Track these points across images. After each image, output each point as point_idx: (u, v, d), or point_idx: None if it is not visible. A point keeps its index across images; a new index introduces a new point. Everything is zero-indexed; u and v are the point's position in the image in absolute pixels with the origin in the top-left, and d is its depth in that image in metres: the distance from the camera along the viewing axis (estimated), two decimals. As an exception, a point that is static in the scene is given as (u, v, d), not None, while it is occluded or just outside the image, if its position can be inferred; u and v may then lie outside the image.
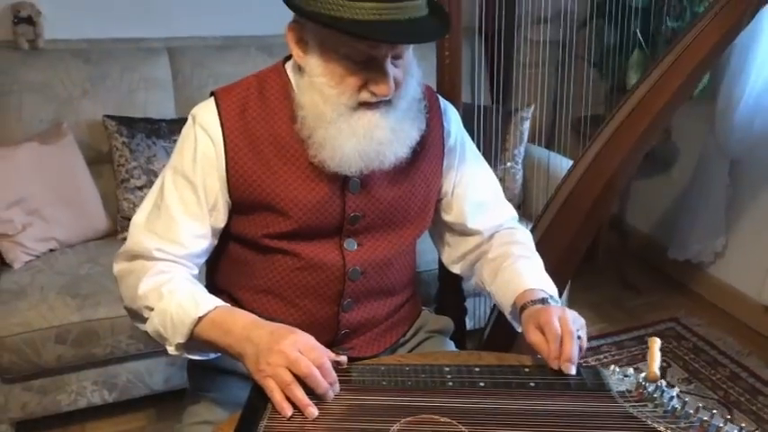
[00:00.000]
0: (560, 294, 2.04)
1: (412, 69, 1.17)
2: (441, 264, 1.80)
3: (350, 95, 1.10)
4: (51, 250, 2.24)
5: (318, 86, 1.11)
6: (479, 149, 1.43)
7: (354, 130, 1.11)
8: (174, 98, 2.53)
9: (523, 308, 1.18)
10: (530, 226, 1.98)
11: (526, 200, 2.74)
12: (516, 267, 1.26)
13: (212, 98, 1.21)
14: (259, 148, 1.18)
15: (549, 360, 1.09)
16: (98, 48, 2.50)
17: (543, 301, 1.18)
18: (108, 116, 2.37)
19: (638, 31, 2.67)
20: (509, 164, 2.64)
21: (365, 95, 1.11)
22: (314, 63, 1.12)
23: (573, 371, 1.08)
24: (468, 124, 1.52)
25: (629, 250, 3.24)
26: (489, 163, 1.46)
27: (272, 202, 1.19)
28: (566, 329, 1.09)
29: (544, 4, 2.26)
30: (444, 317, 1.48)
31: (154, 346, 2.04)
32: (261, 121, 1.19)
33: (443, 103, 1.33)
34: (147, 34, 2.62)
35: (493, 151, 2.47)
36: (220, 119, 1.18)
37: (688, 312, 2.91)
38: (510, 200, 2.59)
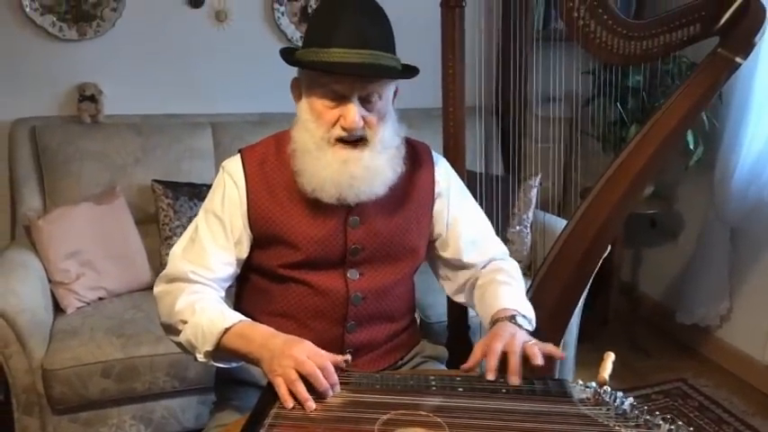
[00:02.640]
0: (558, 343, 2.23)
1: (388, 118, 1.41)
2: (449, 303, 2.00)
3: (326, 130, 1.35)
4: (101, 298, 2.50)
5: (304, 123, 1.38)
6: (491, 215, 1.65)
7: (330, 161, 1.35)
8: (214, 166, 2.81)
9: (494, 323, 1.38)
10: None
11: (534, 262, 2.93)
12: (496, 290, 1.47)
13: (239, 154, 1.48)
14: (274, 191, 1.44)
15: (486, 371, 1.27)
16: (150, 122, 2.83)
17: (512, 318, 1.38)
18: (156, 181, 2.67)
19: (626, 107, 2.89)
20: (518, 228, 2.85)
21: (338, 131, 1.35)
22: (302, 105, 1.40)
23: (517, 382, 1.26)
24: (481, 191, 1.71)
25: (638, 315, 3.38)
26: (499, 227, 1.68)
27: (285, 237, 1.43)
28: (510, 348, 1.28)
29: (552, 85, 2.51)
30: (440, 346, 1.68)
31: (188, 384, 2.26)
32: (276, 170, 1.44)
33: (436, 157, 1.57)
34: (193, 110, 2.95)
35: (502, 216, 2.68)
36: (244, 169, 1.45)
37: (696, 374, 3.02)
38: (519, 261, 2.80)
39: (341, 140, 1.36)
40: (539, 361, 1.26)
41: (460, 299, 1.64)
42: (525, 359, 1.29)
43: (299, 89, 1.43)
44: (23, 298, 2.18)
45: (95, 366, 2.16)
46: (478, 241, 1.58)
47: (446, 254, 1.58)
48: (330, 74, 1.32)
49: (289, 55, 1.41)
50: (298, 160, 1.39)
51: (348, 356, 1.29)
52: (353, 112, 1.33)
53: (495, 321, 1.39)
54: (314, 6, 2.96)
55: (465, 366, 1.31)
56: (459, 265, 1.59)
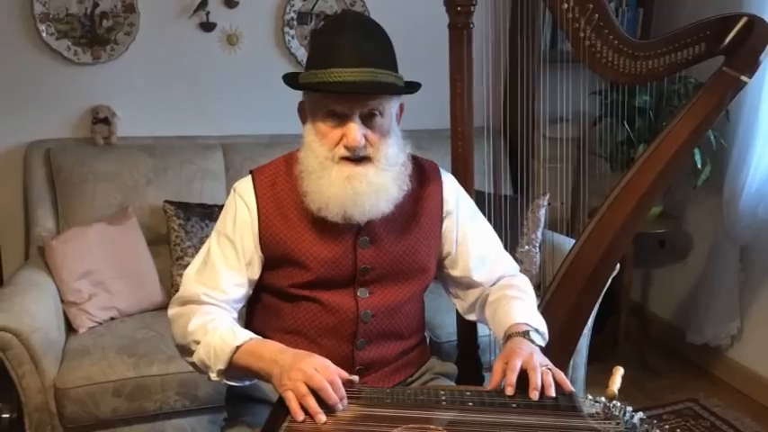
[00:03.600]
0: (567, 363, 2.22)
1: (392, 135, 1.42)
2: (458, 322, 2.01)
3: (329, 149, 1.38)
4: (112, 318, 2.51)
5: (309, 144, 1.41)
6: (500, 235, 1.67)
7: (334, 179, 1.37)
8: (225, 187, 2.84)
9: (509, 338, 1.40)
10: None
11: (544, 280, 2.93)
12: (508, 306, 1.48)
13: (250, 175, 1.50)
14: (285, 213, 1.46)
15: (506, 386, 1.28)
16: (162, 144, 2.87)
17: (525, 333, 1.39)
18: (168, 201, 2.70)
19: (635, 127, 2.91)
20: (527, 247, 2.86)
21: (341, 150, 1.37)
22: (308, 127, 1.43)
23: (536, 397, 1.26)
24: (490, 211, 1.72)
25: (649, 335, 3.37)
26: (508, 247, 1.69)
27: (295, 257, 1.44)
28: (530, 366, 1.29)
29: (560, 106, 2.53)
30: (450, 363, 1.69)
31: (198, 403, 2.27)
32: (287, 191, 1.47)
33: (444, 175, 1.59)
34: (204, 132, 2.99)
35: (511, 236, 2.69)
36: (255, 190, 1.47)
37: (707, 394, 3.00)
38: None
39: (345, 159, 1.38)
40: (552, 393, 1.27)
41: (472, 317, 1.65)
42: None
43: (304, 112, 1.46)
44: (37, 318, 2.20)
45: (107, 385, 2.17)
46: (488, 259, 1.59)
47: (455, 272, 1.60)
48: (329, 94, 1.35)
49: (291, 79, 1.44)
50: (304, 181, 1.41)
51: (356, 377, 1.30)
52: (354, 131, 1.35)
53: (509, 336, 1.40)
54: (322, 29, 3.01)
55: (490, 388, 1.32)
56: (468, 284, 1.60)
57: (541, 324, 1.46)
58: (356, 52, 1.34)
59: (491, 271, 1.59)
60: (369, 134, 1.38)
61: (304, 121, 1.46)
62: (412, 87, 1.44)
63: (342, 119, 1.36)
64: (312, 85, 1.37)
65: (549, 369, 1.31)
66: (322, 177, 1.38)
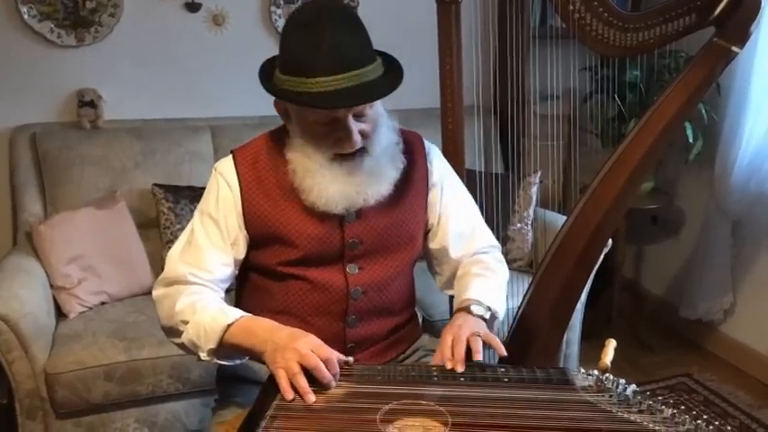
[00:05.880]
0: (560, 339, 2.21)
1: (381, 121, 1.40)
2: (450, 299, 2.00)
3: (325, 150, 1.36)
4: (103, 303, 2.50)
5: (302, 148, 1.38)
6: (492, 213, 1.65)
7: (335, 176, 1.36)
8: (214, 169, 2.82)
9: (454, 314, 1.44)
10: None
11: (536, 258, 2.92)
12: (467, 282, 1.50)
13: (231, 155, 1.48)
14: (268, 191, 1.43)
15: (445, 362, 1.30)
16: (149, 126, 2.84)
17: (468, 308, 1.42)
18: (156, 185, 2.67)
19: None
20: (519, 225, 2.85)
21: (338, 149, 1.36)
22: (295, 129, 1.39)
23: (460, 370, 1.28)
24: (481, 189, 1.70)
25: (642, 312, 3.37)
26: (500, 225, 1.68)
27: (281, 235, 1.42)
28: (456, 337, 1.32)
29: (550, 83, 2.52)
30: (442, 340, 1.68)
31: (191, 386, 2.26)
32: (270, 169, 1.44)
33: (428, 146, 1.57)
34: (192, 114, 2.95)
35: (503, 214, 2.68)
36: (236, 169, 1.44)
37: (701, 368, 3.01)
38: (521, 258, 2.80)
39: (340, 155, 1.37)
40: (479, 357, 1.29)
41: (450, 292, 1.64)
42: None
43: (284, 108, 1.41)
44: (26, 303, 2.18)
45: (98, 370, 2.16)
46: (465, 234, 1.59)
47: (433, 245, 1.59)
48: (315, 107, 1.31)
49: (269, 77, 1.38)
50: (300, 180, 1.39)
51: (351, 358, 1.30)
52: (352, 136, 1.33)
53: (455, 312, 1.43)
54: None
55: (433, 361, 1.35)
56: (445, 258, 1.59)
57: (494, 300, 1.47)
58: (337, 55, 1.28)
59: (466, 246, 1.59)
60: (363, 128, 1.36)
61: (286, 118, 1.42)
62: (394, 75, 1.37)
63: (334, 122, 1.33)
64: (295, 98, 1.31)
65: (479, 335, 1.33)
66: (324, 176, 1.37)
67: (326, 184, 1.36)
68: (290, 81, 1.32)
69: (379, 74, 1.35)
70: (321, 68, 1.27)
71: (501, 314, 1.51)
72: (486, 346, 1.34)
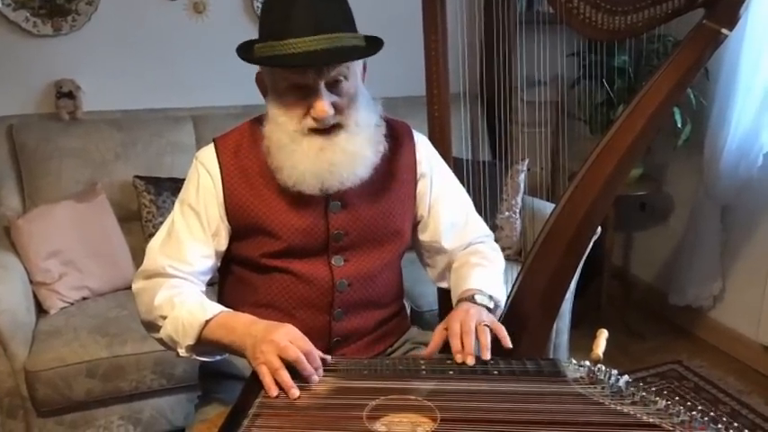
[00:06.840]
0: (550, 327, 2.19)
1: (360, 99, 1.35)
2: (439, 290, 1.97)
3: (297, 122, 1.30)
4: (84, 298, 2.45)
5: (274, 117, 1.33)
6: (480, 201, 1.61)
7: (306, 152, 1.31)
8: (197, 160, 2.77)
9: (457, 304, 1.38)
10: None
11: (525, 247, 2.90)
12: (467, 272, 1.46)
13: (212, 143, 1.43)
14: (251, 180, 1.39)
15: (453, 354, 1.26)
16: (130, 117, 2.78)
17: (471, 297, 1.36)
18: (138, 177, 2.62)
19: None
20: (507, 213, 2.82)
21: (309, 122, 1.30)
22: (270, 101, 1.34)
23: (471, 362, 1.24)
24: (468, 177, 1.67)
25: (632, 299, 3.36)
26: (488, 213, 1.64)
27: (264, 226, 1.38)
28: (465, 328, 1.27)
29: (537, 69, 2.48)
30: (431, 332, 1.63)
31: (176, 382, 2.22)
32: (252, 158, 1.39)
33: (416, 135, 1.53)
34: (173, 104, 2.90)
35: (491, 202, 2.65)
36: (218, 158, 1.40)
37: (690, 355, 3.00)
38: (509, 247, 2.77)
39: (314, 130, 1.31)
40: (487, 354, 1.25)
41: (444, 285, 1.60)
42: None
43: (263, 83, 1.38)
44: (3, 299, 2.12)
45: (80, 366, 2.11)
46: (458, 225, 1.55)
47: (424, 237, 1.55)
48: (290, 67, 1.27)
49: (247, 51, 1.35)
50: (274, 157, 1.34)
51: (328, 357, 1.25)
52: (322, 102, 1.28)
53: (457, 303, 1.38)
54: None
55: (424, 354, 1.31)
56: (438, 250, 1.55)
57: (496, 290, 1.43)
58: (311, 18, 1.25)
59: (460, 237, 1.55)
60: (336, 101, 1.31)
61: (264, 94, 1.39)
62: (374, 46, 1.34)
63: (306, 90, 1.29)
64: (268, 60, 1.28)
65: (488, 326, 1.29)
66: (294, 151, 1.31)
67: (296, 161, 1.31)
68: (263, 47, 1.29)
69: (357, 44, 1.31)
70: (294, 30, 1.24)
71: (502, 303, 1.47)
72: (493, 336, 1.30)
